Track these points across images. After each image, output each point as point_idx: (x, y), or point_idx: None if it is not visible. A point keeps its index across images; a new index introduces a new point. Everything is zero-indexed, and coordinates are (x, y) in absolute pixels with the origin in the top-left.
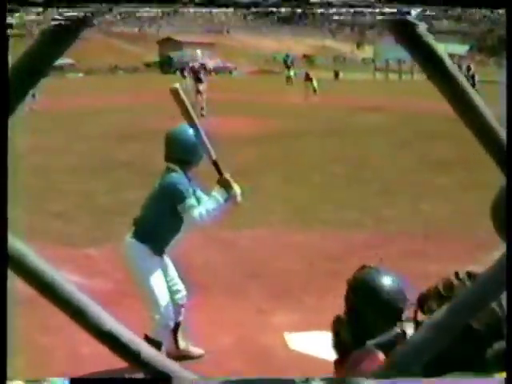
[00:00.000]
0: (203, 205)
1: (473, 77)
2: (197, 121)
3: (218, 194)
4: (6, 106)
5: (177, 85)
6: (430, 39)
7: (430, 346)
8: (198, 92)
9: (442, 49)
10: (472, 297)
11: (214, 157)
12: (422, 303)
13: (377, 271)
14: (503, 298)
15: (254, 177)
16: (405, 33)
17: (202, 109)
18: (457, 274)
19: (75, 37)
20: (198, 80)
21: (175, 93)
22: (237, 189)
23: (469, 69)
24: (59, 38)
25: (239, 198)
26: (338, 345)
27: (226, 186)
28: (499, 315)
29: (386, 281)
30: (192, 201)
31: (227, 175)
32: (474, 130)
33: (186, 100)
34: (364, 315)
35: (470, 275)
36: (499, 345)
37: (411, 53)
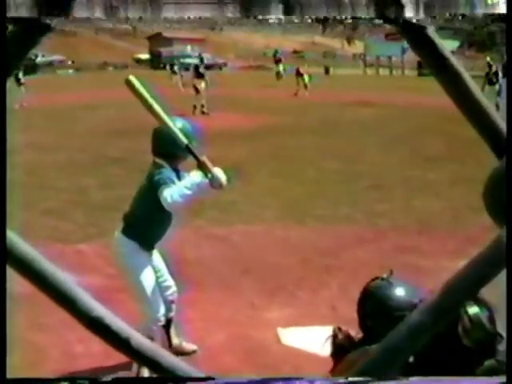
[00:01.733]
0: (175, 186)
1: (496, 74)
2: (160, 110)
3: (193, 175)
4: None
5: (131, 76)
6: (437, 39)
7: (424, 329)
8: (196, 88)
9: (446, 45)
10: (468, 278)
11: (186, 142)
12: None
13: (388, 283)
14: (496, 313)
15: (246, 172)
16: (413, 33)
17: (202, 106)
18: None
19: (45, 32)
20: (198, 75)
21: (130, 84)
22: (219, 172)
23: (490, 65)
24: (31, 32)
25: (224, 182)
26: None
27: (203, 169)
28: (490, 332)
29: (398, 292)
30: (167, 185)
31: (204, 158)
32: (478, 127)
33: (144, 90)
34: (373, 326)
35: None
36: (489, 362)
37: (417, 51)
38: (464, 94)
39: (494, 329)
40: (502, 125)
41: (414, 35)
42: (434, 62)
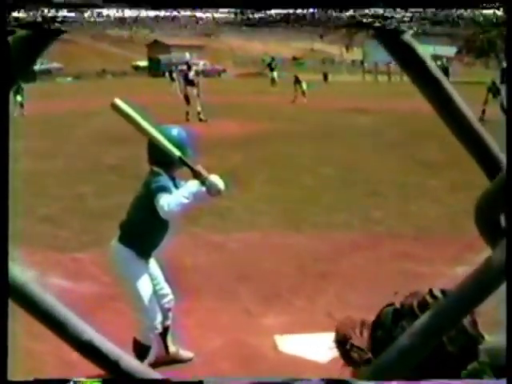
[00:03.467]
0: (172, 194)
1: (498, 90)
2: (149, 127)
3: (189, 184)
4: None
5: (116, 99)
6: (414, 43)
7: (415, 351)
8: (187, 97)
9: (426, 52)
10: (458, 299)
11: (178, 153)
12: (396, 321)
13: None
14: (476, 314)
15: (243, 179)
16: (389, 37)
17: (198, 113)
18: (431, 292)
19: (51, 39)
20: (189, 83)
21: (116, 107)
22: (216, 179)
23: (494, 83)
24: (35, 41)
25: (221, 188)
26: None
27: (198, 177)
28: (472, 335)
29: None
30: (164, 194)
31: (199, 167)
32: (457, 132)
33: (131, 110)
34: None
35: (444, 294)
36: (472, 366)
37: (394, 56)
38: (444, 101)
39: (477, 331)
40: (482, 133)
41: (391, 41)
42: (412, 70)
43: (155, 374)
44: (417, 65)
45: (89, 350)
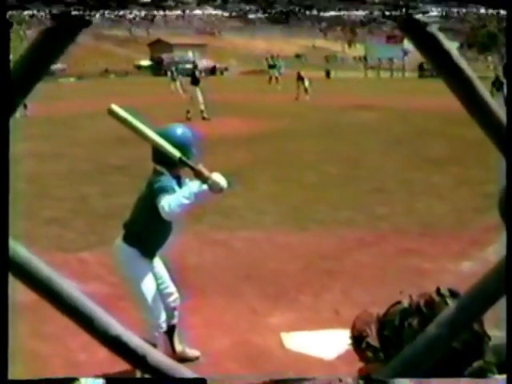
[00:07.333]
0: (174, 195)
1: (501, 84)
2: (147, 130)
3: (191, 184)
4: (7, 106)
5: (112, 105)
6: (439, 34)
7: (442, 342)
8: (184, 93)
9: (451, 45)
10: (483, 291)
11: (179, 155)
12: (403, 319)
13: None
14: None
15: (247, 178)
16: (413, 29)
17: (202, 111)
18: (438, 290)
19: (74, 36)
20: (194, 81)
21: (113, 112)
22: (218, 178)
23: (497, 77)
24: (59, 37)
25: (224, 186)
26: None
27: (199, 176)
28: (479, 334)
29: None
30: (166, 194)
31: (200, 167)
32: (484, 127)
33: (127, 114)
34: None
35: (451, 292)
36: (477, 363)
37: (420, 48)
38: (469, 93)
39: (483, 330)
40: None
41: (417, 34)
42: (438, 61)
43: (183, 369)
44: (440, 54)
45: (116, 346)
